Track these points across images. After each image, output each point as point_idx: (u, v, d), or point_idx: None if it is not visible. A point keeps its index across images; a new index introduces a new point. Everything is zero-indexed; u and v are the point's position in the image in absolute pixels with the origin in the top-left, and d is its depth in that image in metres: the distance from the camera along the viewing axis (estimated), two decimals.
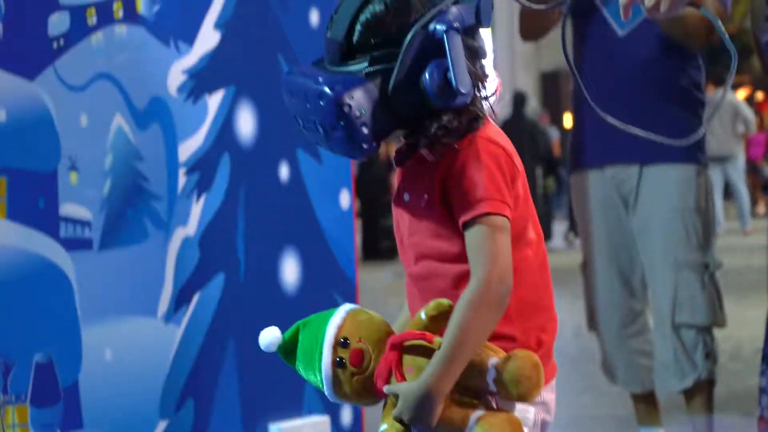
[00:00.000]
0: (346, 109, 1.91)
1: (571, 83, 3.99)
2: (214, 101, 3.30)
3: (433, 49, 1.96)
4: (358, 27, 1.97)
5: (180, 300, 3.22)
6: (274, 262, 3.47)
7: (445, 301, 1.96)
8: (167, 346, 3.20)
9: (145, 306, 3.16)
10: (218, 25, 3.31)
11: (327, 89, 1.92)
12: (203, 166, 3.27)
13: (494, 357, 1.93)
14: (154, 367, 3.18)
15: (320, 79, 1.95)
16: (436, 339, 1.94)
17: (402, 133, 2.05)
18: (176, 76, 3.22)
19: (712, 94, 13.37)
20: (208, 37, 3.28)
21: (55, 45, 2.95)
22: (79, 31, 2.99)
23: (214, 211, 3.30)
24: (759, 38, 3.82)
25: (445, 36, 1.95)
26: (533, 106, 15.60)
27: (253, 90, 3.39)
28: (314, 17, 3.56)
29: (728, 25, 3.83)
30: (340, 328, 2.04)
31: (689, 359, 3.77)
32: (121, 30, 3.08)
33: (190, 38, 3.24)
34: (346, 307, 2.09)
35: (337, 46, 1.98)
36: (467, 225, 1.97)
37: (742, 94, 18.45)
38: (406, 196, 2.09)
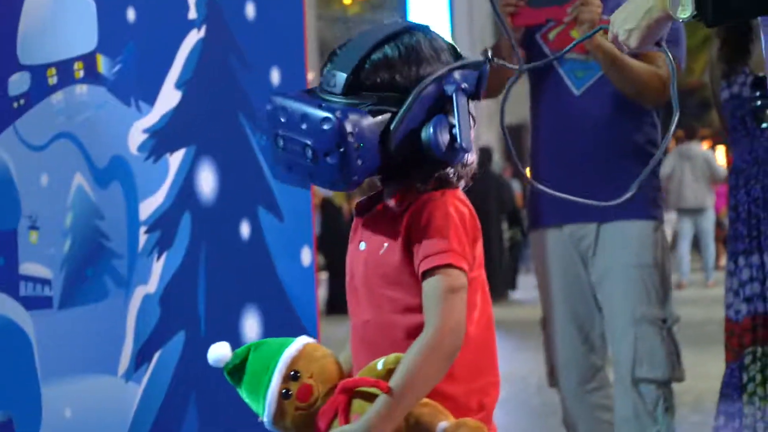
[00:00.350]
0: (349, 138, 1.95)
1: (530, 141, 4.03)
2: (174, 160, 3.31)
3: (438, 104, 2.02)
4: (368, 65, 2.03)
5: (140, 358, 3.22)
6: (235, 319, 3.47)
7: (403, 356, 1.98)
8: (127, 405, 3.19)
9: (105, 364, 3.15)
10: (179, 85, 3.33)
11: (332, 115, 1.96)
12: (164, 225, 3.28)
13: (444, 421, 1.94)
14: (115, 426, 3.17)
15: (323, 104, 1.99)
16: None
17: (380, 177, 2.10)
18: (137, 135, 3.23)
19: (681, 146, 13.53)
20: (168, 97, 3.30)
21: (15, 105, 2.96)
22: (39, 90, 3.00)
23: (174, 269, 3.30)
24: (717, 95, 3.89)
25: (454, 95, 2.02)
26: (496, 159, 15.77)
27: (214, 149, 3.41)
28: (275, 76, 3.58)
29: (686, 80, 3.88)
30: (293, 360, 2.06)
31: (649, 414, 3.79)
32: (81, 90, 3.10)
33: (150, 98, 3.26)
34: (303, 340, 2.11)
35: (342, 78, 2.02)
36: (426, 274, 2.00)
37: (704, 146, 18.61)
38: (363, 245, 2.12)
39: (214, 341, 3.35)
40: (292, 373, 2.04)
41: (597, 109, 3.84)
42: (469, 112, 2.08)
